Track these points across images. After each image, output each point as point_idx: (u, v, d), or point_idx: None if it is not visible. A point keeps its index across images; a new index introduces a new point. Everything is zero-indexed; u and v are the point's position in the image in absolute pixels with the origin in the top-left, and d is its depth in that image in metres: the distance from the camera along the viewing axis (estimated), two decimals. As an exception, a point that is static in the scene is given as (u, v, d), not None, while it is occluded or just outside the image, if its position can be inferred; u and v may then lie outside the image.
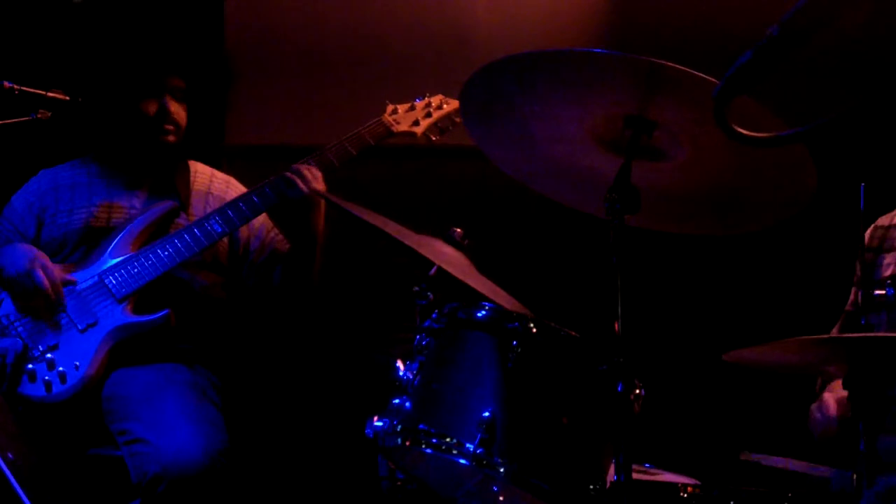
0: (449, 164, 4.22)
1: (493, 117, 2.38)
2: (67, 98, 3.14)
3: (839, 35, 1.36)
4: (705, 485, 2.78)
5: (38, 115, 3.11)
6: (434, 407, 2.33)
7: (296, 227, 3.33)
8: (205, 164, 3.57)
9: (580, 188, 2.50)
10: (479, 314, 2.36)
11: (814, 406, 2.78)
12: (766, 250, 3.99)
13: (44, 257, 3.18)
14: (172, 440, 2.92)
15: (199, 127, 3.53)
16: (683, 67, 2.05)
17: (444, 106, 3.47)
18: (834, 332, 2.96)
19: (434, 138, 3.47)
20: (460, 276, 2.59)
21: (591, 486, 2.25)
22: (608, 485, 2.26)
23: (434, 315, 2.44)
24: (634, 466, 2.47)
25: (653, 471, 3.03)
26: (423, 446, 2.28)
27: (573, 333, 2.33)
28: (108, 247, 3.24)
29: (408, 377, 2.40)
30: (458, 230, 2.82)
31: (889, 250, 2.87)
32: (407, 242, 2.57)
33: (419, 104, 3.47)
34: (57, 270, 3.16)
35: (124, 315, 3.16)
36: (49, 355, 3.09)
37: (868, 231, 2.91)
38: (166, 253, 3.20)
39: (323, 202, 3.26)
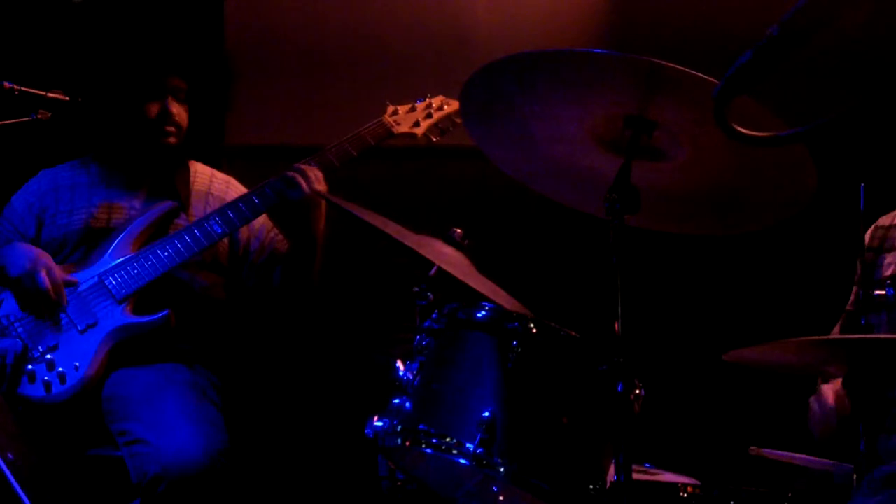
0: (449, 165, 4.22)
1: (493, 117, 2.38)
2: (67, 98, 3.14)
3: (839, 35, 1.36)
4: (705, 485, 2.79)
5: (38, 116, 3.12)
6: (434, 407, 2.33)
7: (296, 227, 3.32)
8: (205, 165, 3.56)
9: (580, 188, 2.50)
10: (479, 314, 2.36)
11: (812, 398, 2.78)
12: (766, 250, 3.99)
13: (46, 257, 3.17)
14: (172, 440, 2.92)
15: (199, 127, 3.52)
16: (683, 67, 2.05)
17: (445, 107, 3.46)
18: (835, 332, 2.96)
19: (434, 139, 3.46)
20: (460, 277, 2.59)
21: (591, 486, 2.25)
22: (608, 485, 2.26)
23: (434, 315, 2.44)
24: (634, 466, 2.47)
25: (653, 471, 3.03)
26: (423, 446, 2.28)
27: (573, 333, 2.33)
28: (108, 247, 3.23)
29: (408, 377, 2.40)
30: (458, 230, 2.82)
31: (889, 250, 2.87)
32: (407, 243, 2.57)
33: (420, 105, 3.46)
34: (59, 271, 3.16)
35: (124, 316, 3.16)
36: (49, 356, 3.09)
37: (869, 231, 2.91)
38: (166, 253, 3.19)
39: (323, 203, 3.26)
